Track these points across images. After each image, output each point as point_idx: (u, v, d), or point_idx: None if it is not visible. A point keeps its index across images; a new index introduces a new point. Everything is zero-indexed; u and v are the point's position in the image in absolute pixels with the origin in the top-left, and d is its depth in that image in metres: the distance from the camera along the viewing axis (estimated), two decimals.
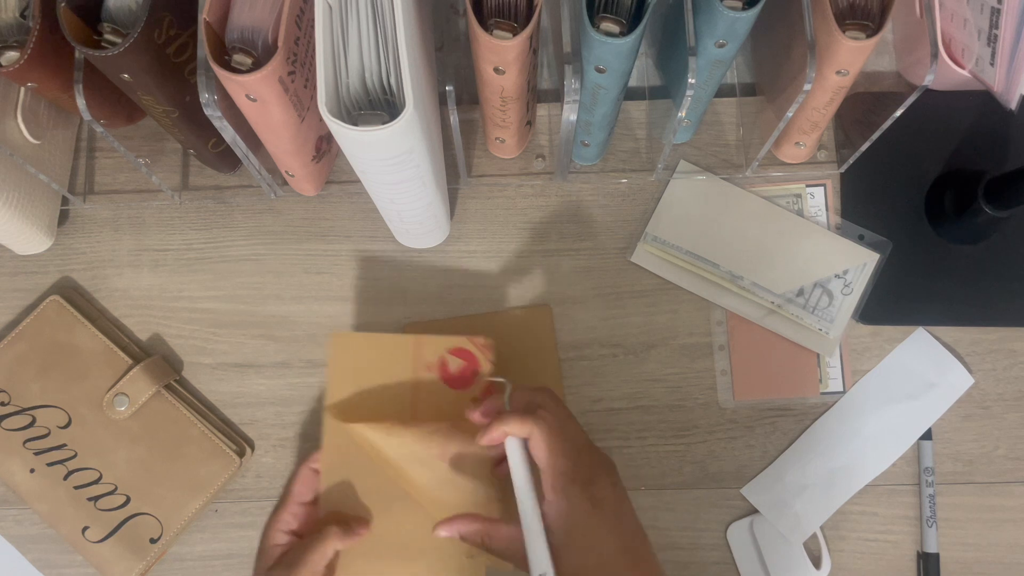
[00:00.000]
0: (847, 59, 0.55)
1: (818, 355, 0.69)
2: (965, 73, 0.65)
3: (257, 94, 0.52)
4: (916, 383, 0.68)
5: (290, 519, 0.57)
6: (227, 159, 0.70)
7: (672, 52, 0.65)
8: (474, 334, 0.61)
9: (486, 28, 0.52)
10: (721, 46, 0.55)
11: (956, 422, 0.68)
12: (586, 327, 0.70)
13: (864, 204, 0.70)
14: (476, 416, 0.55)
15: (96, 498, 0.67)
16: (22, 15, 0.56)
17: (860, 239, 0.70)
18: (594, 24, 0.51)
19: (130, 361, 0.68)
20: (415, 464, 0.57)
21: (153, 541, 0.66)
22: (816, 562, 0.67)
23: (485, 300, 0.70)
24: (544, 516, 0.50)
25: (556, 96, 0.71)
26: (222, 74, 0.50)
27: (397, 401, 0.60)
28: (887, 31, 0.59)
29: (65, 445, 0.67)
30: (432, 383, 0.60)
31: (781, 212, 0.70)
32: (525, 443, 0.52)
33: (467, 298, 0.70)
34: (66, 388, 0.68)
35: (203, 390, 0.70)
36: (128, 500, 0.67)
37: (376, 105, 0.51)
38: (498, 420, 0.52)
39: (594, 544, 0.49)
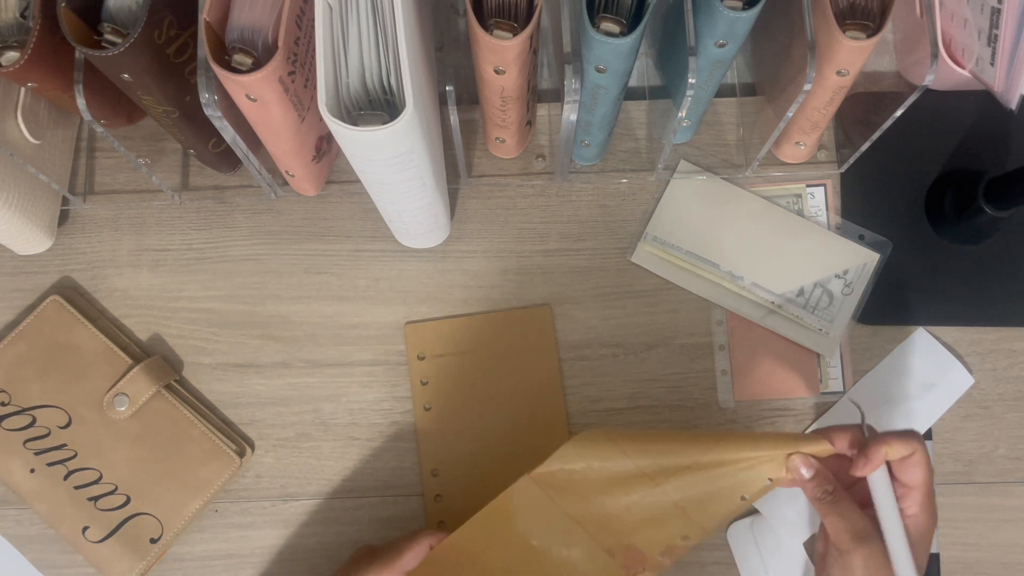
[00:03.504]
0: (847, 59, 0.55)
1: (818, 355, 0.69)
2: (965, 73, 0.65)
3: (257, 94, 0.52)
4: (916, 383, 0.68)
5: None
6: (227, 159, 0.70)
7: (672, 52, 0.65)
8: (475, 334, 0.59)
9: (486, 28, 0.52)
10: (721, 46, 0.55)
11: (956, 422, 0.68)
12: (586, 327, 0.70)
13: (864, 204, 0.70)
14: (805, 468, 0.53)
15: (96, 498, 0.67)
16: (22, 15, 0.56)
17: (860, 239, 0.70)
18: (594, 24, 0.51)
19: (130, 361, 0.68)
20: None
21: (153, 541, 0.66)
22: None
23: (485, 300, 0.70)
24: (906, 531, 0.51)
25: (556, 96, 0.71)
26: (222, 74, 0.50)
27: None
28: (887, 31, 0.59)
29: (65, 445, 0.67)
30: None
31: (781, 212, 0.70)
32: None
33: (467, 298, 0.70)
34: (66, 388, 0.68)
35: (203, 390, 0.70)
36: (128, 500, 0.67)
37: (376, 105, 0.51)
38: (878, 442, 0.50)
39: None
